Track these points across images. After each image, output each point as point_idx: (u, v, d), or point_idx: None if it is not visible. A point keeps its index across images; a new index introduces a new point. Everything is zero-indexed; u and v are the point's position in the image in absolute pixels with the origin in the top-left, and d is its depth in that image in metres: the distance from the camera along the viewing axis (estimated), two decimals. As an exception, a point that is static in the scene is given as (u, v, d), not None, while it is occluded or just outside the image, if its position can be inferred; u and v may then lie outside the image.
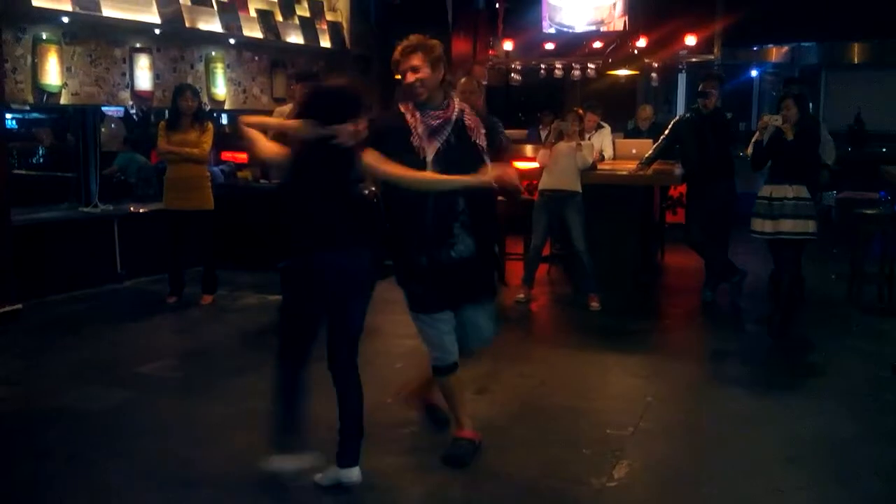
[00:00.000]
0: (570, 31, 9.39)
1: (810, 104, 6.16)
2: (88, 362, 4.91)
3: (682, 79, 10.68)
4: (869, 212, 6.49)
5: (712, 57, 9.63)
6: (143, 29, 6.72)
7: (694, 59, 9.53)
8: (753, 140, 5.77)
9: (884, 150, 8.49)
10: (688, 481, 3.36)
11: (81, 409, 4.13)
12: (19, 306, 5.69)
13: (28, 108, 7.51)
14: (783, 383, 4.69)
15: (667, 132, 6.79)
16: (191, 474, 3.39)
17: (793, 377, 4.81)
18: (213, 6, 7.29)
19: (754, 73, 12.22)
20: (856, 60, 11.19)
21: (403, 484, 3.34)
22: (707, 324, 6.22)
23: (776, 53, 11.74)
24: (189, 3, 7.05)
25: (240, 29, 7.58)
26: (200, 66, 7.43)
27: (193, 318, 6.00)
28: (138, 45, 6.79)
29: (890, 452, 3.68)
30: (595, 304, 6.13)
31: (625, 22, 9.39)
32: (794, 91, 5.91)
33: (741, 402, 4.33)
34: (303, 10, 8.38)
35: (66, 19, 6.12)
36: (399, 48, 3.29)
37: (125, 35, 6.69)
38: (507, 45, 9.16)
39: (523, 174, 7.17)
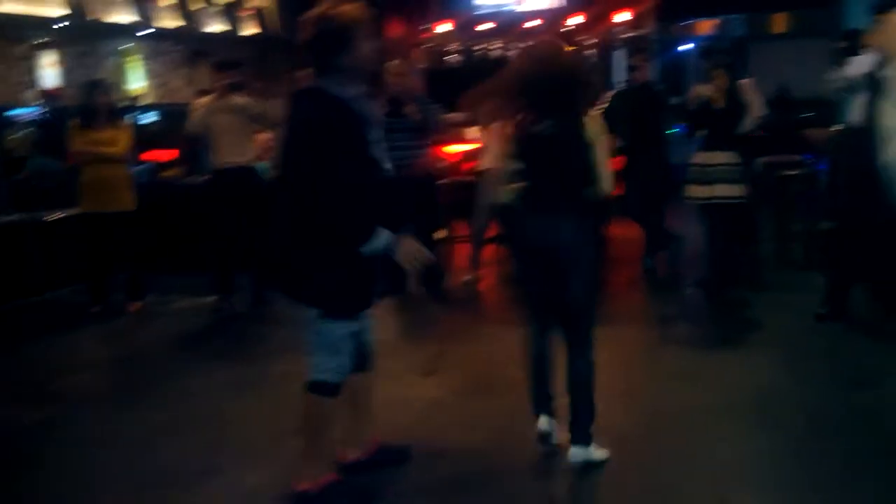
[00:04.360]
0: (504, 8, 9.43)
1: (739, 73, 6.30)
2: (5, 381, 4.70)
3: (619, 55, 10.81)
4: (792, 173, 6.74)
5: (646, 32, 9.78)
6: (44, 24, 6.37)
7: (629, 35, 9.68)
8: (690, 110, 5.90)
9: (807, 115, 8.78)
10: (632, 439, 3.49)
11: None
12: None
13: None
14: (720, 340, 4.93)
15: (602, 107, 6.88)
16: (122, 485, 3.31)
17: (728, 333, 5.04)
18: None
19: (688, 46, 12.47)
20: (780, 31, 11.53)
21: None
22: (649, 290, 6.39)
23: (706, 27, 12.00)
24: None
25: (153, 19, 7.32)
26: (112, 60, 7.14)
27: (120, 327, 5.81)
28: (41, 41, 6.48)
29: (815, 396, 3.94)
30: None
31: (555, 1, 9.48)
32: (721, 61, 6.06)
33: (681, 361, 4.53)
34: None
35: None
36: (364, 12, 2.84)
37: (26, 31, 6.34)
38: (445, 27, 9.16)
39: (466, 155, 7.26)
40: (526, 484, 3.21)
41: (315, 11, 2.80)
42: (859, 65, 4.66)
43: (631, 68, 6.66)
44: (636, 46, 7.63)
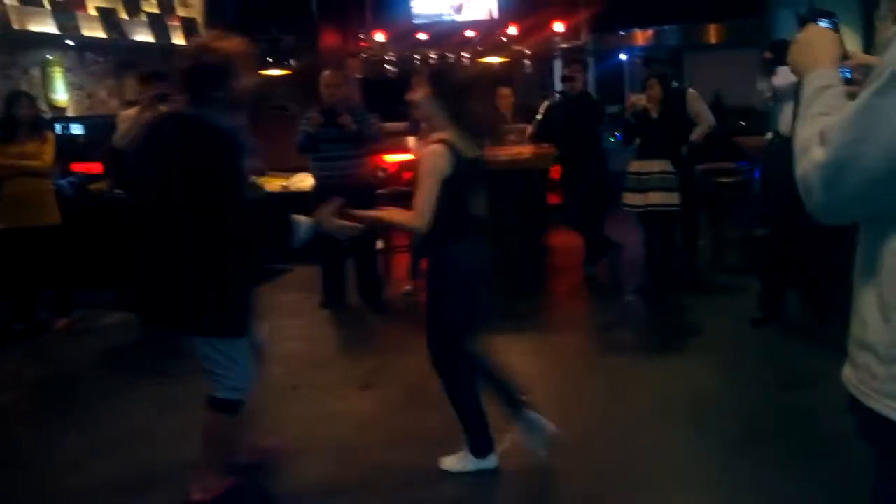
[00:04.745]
0: (441, 19, 9.44)
1: (674, 83, 6.40)
2: None
3: (557, 65, 10.92)
4: (727, 180, 6.87)
5: (581, 42, 9.90)
6: None
7: (564, 45, 9.77)
8: (626, 119, 5.95)
9: (741, 123, 8.97)
10: (571, 445, 3.45)
11: None
12: None
13: None
14: (658, 345, 4.97)
15: (539, 116, 6.92)
16: None
17: (667, 339, 5.08)
18: (44, 6, 6.79)
19: (623, 56, 12.66)
20: (713, 41, 11.79)
21: (279, 485, 3.26)
22: (589, 297, 6.41)
23: (642, 37, 12.20)
24: (17, 4, 6.53)
25: (78, 29, 7.12)
26: (36, 71, 6.92)
27: (46, 345, 5.55)
28: None
29: (751, 398, 3.99)
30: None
31: (490, 12, 9.53)
32: (657, 71, 6.14)
33: (621, 367, 4.55)
34: (151, 6, 7.97)
35: None
36: (242, 43, 2.90)
37: None
38: (380, 37, 9.10)
39: (404, 165, 7.19)
40: (470, 494, 3.17)
41: (195, 42, 2.94)
42: (786, 75, 4.76)
43: (566, 78, 6.69)
44: (571, 57, 7.69)
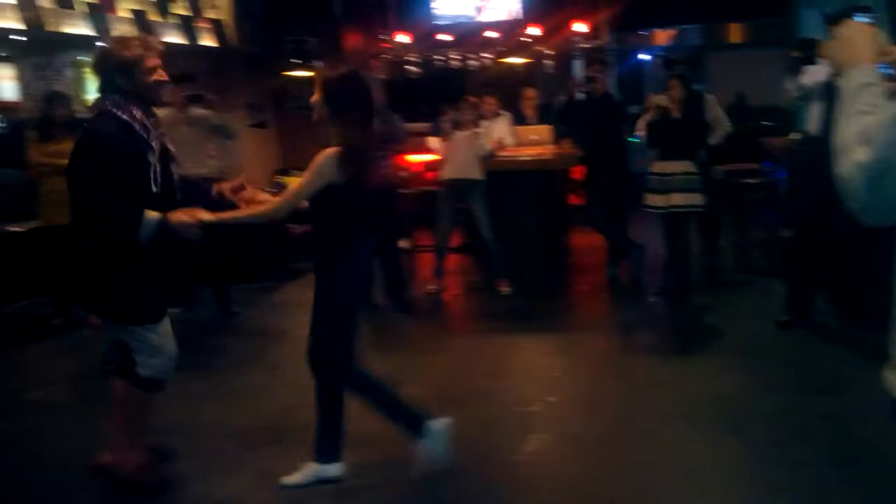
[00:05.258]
0: (463, 19, 9.48)
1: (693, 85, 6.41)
2: None
3: (576, 65, 10.94)
4: (751, 181, 6.85)
5: (602, 42, 9.90)
6: (1, 36, 6.28)
7: (585, 46, 9.78)
8: (646, 120, 5.96)
9: (764, 123, 8.95)
10: (594, 447, 3.49)
11: None
12: None
13: None
14: (681, 347, 4.96)
15: (562, 115, 6.96)
16: (94, 496, 3.27)
17: (690, 340, 5.07)
18: (78, 8, 6.91)
19: (644, 56, 12.64)
20: (735, 41, 11.75)
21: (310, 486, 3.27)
22: (611, 298, 6.43)
23: (663, 37, 12.18)
24: (52, 6, 6.63)
25: (110, 31, 7.21)
26: (70, 72, 7.01)
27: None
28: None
29: (771, 401, 3.96)
30: (505, 289, 6.20)
31: (512, 12, 9.54)
32: (678, 72, 6.15)
33: (643, 368, 4.53)
34: (180, 9, 8.06)
35: None
36: (143, 42, 3.08)
37: None
38: (403, 38, 9.14)
39: (428, 165, 7.24)
40: (499, 497, 3.16)
41: (103, 44, 3.18)
42: (814, 74, 4.76)
43: (589, 79, 6.72)
44: (593, 57, 7.70)
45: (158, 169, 3.05)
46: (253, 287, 6.70)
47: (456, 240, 6.88)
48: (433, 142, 6.57)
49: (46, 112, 5.77)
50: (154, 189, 3.04)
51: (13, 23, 6.35)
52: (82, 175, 2.98)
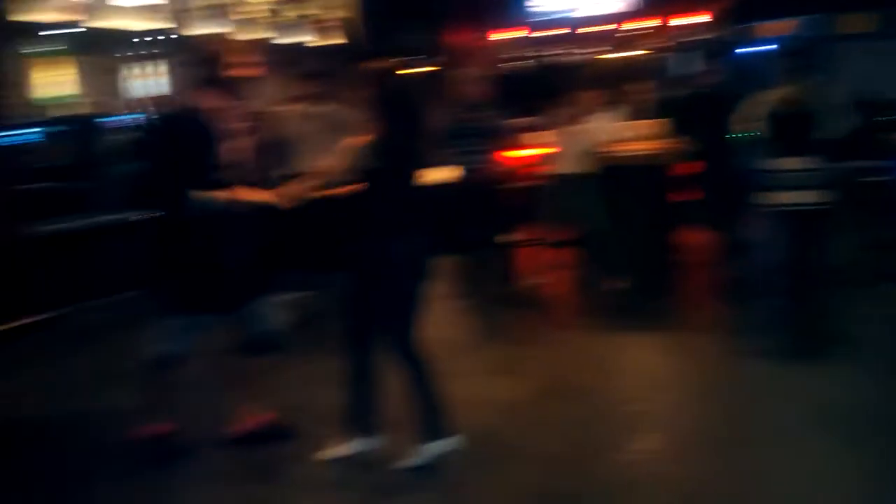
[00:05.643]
0: (570, 14, 9.40)
1: (815, 78, 6.16)
2: (119, 367, 4.90)
3: (690, 58, 10.67)
4: (879, 178, 6.52)
5: (719, 34, 9.62)
6: (141, 38, 6.77)
7: (700, 38, 9.53)
8: (765, 114, 5.78)
9: (891, 118, 8.48)
10: (703, 451, 3.42)
11: (109, 409, 4.20)
12: (49, 315, 5.74)
13: (39, 121, 7.38)
14: (807, 352, 4.71)
15: (674, 109, 6.82)
16: (227, 477, 3.47)
17: (812, 345, 4.82)
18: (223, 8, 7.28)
19: (763, 48, 12.18)
20: (859, 31, 11.15)
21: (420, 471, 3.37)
22: (724, 299, 6.23)
23: (782, 28, 11.69)
24: (192, 10, 7.01)
25: (245, 32, 7.59)
26: None
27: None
28: (138, 54, 6.86)
29: None
30: (612, 285, 6.16)
31: (625, 4, 9.39)
32: (801, 63, 5.93)
33: (765, 372, 4.38)
34: (310, 8, 8.39)
35: (65, 32, 6.19)
36: (229, 44, 3.56)
37: (124, 45, 6.75)
38: (511, 33, 9.17)
39: (533, 160, 7.26)
40: (611, 494, 3.14)
41: (211, 42, 3.51)
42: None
43: (705, 72, 6.56)
44: (709, 49, 7.51)
45: (222, 153, 3.29)
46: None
47: (562, 234, 6.87)
48: (540, 136, 6.59)
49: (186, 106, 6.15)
50: (218, 170, 3.29)
51: (151, 24, 6.81)
52: (156, 155, 3.32)
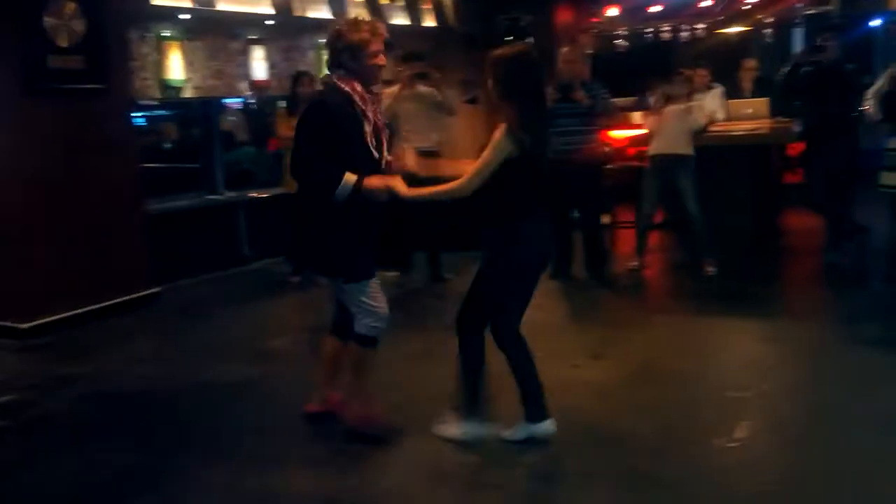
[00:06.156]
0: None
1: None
2: (221, 339, 5.20)
3: (797, 33, 10.21)
4: None
5: (830, 8, 9.15)
6: (256, 21, 6.97)
7: (810, 12, 9.09)
8: (881, 91, 5.51)
9: None
10: (811, 441, 3.33)
11: (216, 382, 4.36)
12: (158, 290, 6.00)
13: (155, 103, 7.72)
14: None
15: (787, 87, 6.59)
16: (321, 435, 3.60)
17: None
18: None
19: (875, 22, 11.51)
20: None
21: (520, 446, 3.39)
22: (830, 285, 6.02)
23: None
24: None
25: (346, 14, 7.80)
26: (312, 54, 7.65)
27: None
28: (253, 37, 7.04)
29: None
30: (710, 269, 6.03)
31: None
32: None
33: (867, 363, 4.22)
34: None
35: (185, 16, 6.40)
36: (371, 28, 3.31)
37: (240, 28, 6.94)
38: (612, 12, 9.01)
39: (634, 140, 7.15)
40: (709, 480, 3.10)
41: (335, 23, 3.40)
42: None
43: (817, 48, 6.30)
44: (823, 24, 7.17)
45: (374, 138, 3.32)
46: (463, 255, 7.00)
47: (660, 216, 6.77)
48: (640, 116, 6.48)
49: (293, 89, 6.36)
50: (374, 155, 3.32)
51: (265, 8, 7.05)
52: (303, 139, 3.29)
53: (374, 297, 3.39)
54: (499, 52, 3.29)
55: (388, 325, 3.47)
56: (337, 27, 3.36)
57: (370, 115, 3.32)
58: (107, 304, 5.63)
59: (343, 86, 3.27)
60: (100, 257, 5.61)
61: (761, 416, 3.61)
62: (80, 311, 5.45)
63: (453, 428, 3.43)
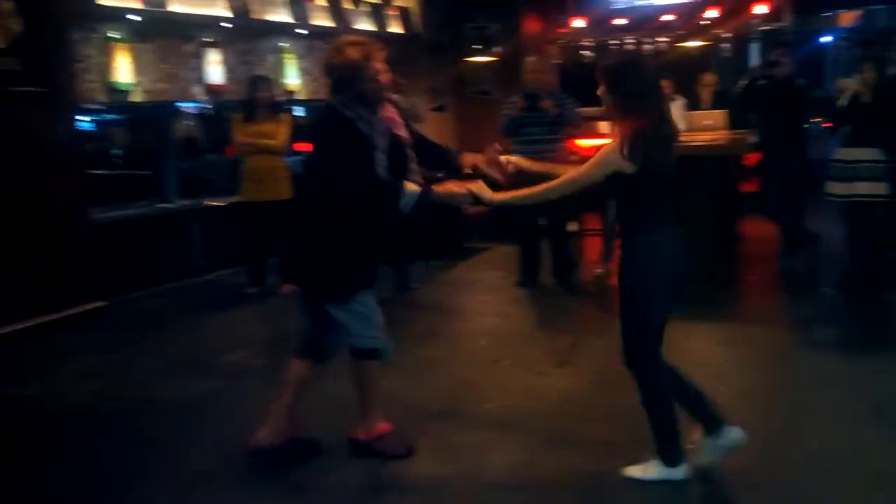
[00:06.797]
0: (640, 4, 9.31)
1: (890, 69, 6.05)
2: (174, 354, 5.01)
3: (754, 48, 10.49)
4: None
5: (783, 24, 9.43)
6: (211, 23, 6.68)
7: (765, 28, 9.35)
8: (838, 104, 5.72)
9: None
10: (769, 442, 3.37)
11: (169, 399, 4.19)
12: (104, 303, 5.72)
13: (102, 108, 7.30)
14: (863, 344, 4.71)
15: (743, 100, 6.77)
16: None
17: (872, 338, 4.82)
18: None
19: (827, 38, 11.89)
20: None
21: (487, 458, 3.41)
22: (786, 290, 6.21)
23: (847, 18, 11.41)
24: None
25: (307, 19, 7.63)
26: (271, 58, 7.43)
27: (275, 307, 6.06)
28: (208, 40, 6.75)
29: None
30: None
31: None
32: (872, 54, 5.85)
33: (822, 364, 4.36)
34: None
35: (134, 17, 6.11)
36: (371, 49, 3.15)
37: (194, 30, 6.64)
38: (578, 23, 9.14)
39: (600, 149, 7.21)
40: (670, 483, 3.10)
41: (330, 46, 3.20)
42: None
43: (772, 63, 6.49)
44: (777, 40, 7.40)
45: (384, 162, 3.17)
46: (429, 265, 6.98)
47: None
48: (607, 126, 6.59)
49: (250, 95, 6.18)
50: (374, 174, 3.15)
51: (221, 10, 6.81)
52: (330, 159, 3.12)
53: (373, 308, 3.31)
54: (611, 60, 3.08)
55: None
56: (326, 56, 3.23)
57: (377, 139, 3.16)
58: (49, 319, 5.36)
59: (343, 110, 3.13)
60: (40, 269, 5.35)
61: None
62: (19, 327, 5.17)
63: (646, 468, 3.13)
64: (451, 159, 3.46)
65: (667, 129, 3.04)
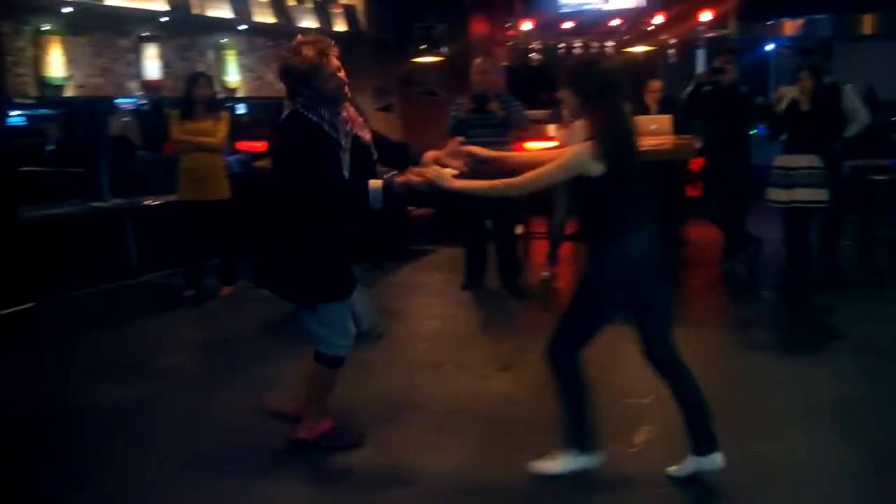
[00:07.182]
0: (587, 7, 9.37)
1: (827, 77, 6.20)
2: (105, 359, 4.88)
3: (699, 55, 10.67)
4: (879, 178, 6.58)
5: (728, 32, 9.60)
6: (149, 17, 6.53)
7: (711, 35, 9.51)
8: (778, 111, 5.83)
9: (894, 119, 8.53)
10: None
11: (99, 405, 4.09)
12: (31, 305, 5.56)
13: (34, 102, 7.06)
14: (799, 346, 4.83)
15: (686, 106, 6.87)
16: (211, 466, 3.42)
17: (808, 340, 4.94)
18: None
19: (770, 46, 12.18)
20: (867, 32, 11.18)
21: (425, 460, 3.40)
22: (726, 293, 6.31)
23: (791, 27, 11.71)
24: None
25: (250, 15, 7.47)
26: (211, 54, 7.27)
27: (212, 310, 5.98)
28: (145, 34, 6.59)
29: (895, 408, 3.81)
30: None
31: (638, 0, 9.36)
32: (809, 62, 5.97)
33: (759, 367, 4.46)
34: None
35: (68, 9, 5.93)
36: (325, 46, 3.09)
37: (131, 24, 6.48)
38: (526, 25, 9.16)
39: (547, 152, 7.23)
40: (609, 486, 3.17)
41: (286, 49, 3.14)
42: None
43: (716, 69, 6.59)
44: (722, 47, 7.52)
45: (347, 163, 3.14)
46: (372, 267, 6.96)
47: (572, 227, 6.90)
48: (554, 129, 6.60)
49: (189, 91, 6.02)
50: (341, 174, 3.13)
51: (160, 4, 6.62)
52: (301, 165, 3.07)
53: (343, 316, 3.29)
54: (574, 62, 3.14)
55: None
56: (282, 58, 3.16)
57: (343, 140, 3.13)
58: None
59: (308, 114, 3.08)
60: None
61: (659, 421, 3.68)
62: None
63: (553, 463, 3.20)
64: (411, 156, 3.42)
65: (631, 129, 3.02)
